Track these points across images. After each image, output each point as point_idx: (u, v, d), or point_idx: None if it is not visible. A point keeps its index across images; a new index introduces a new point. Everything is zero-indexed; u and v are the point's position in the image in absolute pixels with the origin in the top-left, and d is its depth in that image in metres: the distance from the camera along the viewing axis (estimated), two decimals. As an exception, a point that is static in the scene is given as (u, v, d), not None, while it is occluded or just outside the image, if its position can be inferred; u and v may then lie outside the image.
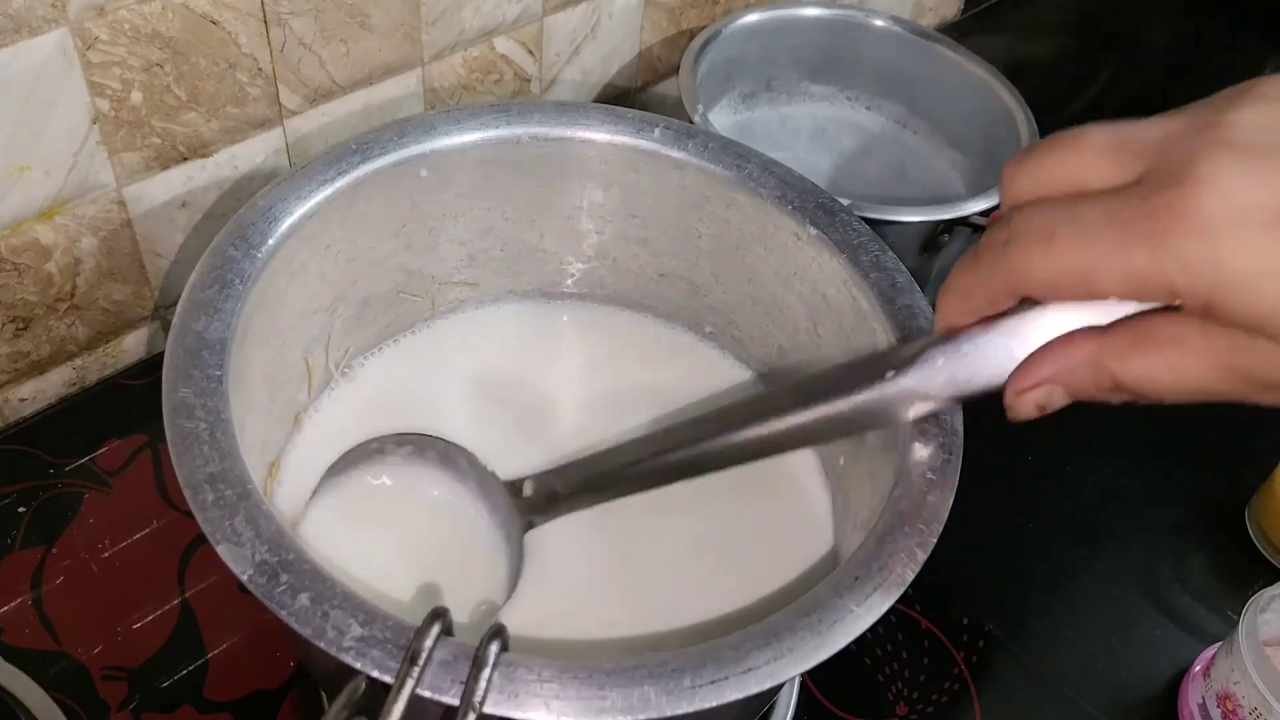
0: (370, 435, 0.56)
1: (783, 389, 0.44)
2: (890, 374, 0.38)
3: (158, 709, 0.54)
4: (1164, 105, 0.35)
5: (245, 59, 0.60)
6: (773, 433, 0.41)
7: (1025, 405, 0.35)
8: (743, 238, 0.57)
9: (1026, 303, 0.34)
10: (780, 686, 0.46)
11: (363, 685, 0.35)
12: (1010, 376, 0.35)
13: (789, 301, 0.56)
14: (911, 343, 0.38)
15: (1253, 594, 0.56)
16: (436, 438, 0.51)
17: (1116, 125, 0.32)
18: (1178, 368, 0.31)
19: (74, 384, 0.67)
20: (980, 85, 0.79)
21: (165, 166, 0.62)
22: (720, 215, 0.57)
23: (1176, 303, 0.30)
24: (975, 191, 0.70)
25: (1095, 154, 0.31)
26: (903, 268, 0.51)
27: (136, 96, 0.58)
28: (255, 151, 0.65)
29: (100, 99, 0.56)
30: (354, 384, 0.58)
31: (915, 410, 0.38)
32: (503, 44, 0.74)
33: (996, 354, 0.35)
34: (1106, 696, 0.60)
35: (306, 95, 0.65)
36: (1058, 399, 0.34)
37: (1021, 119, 0.75)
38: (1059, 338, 0.33)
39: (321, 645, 0.35)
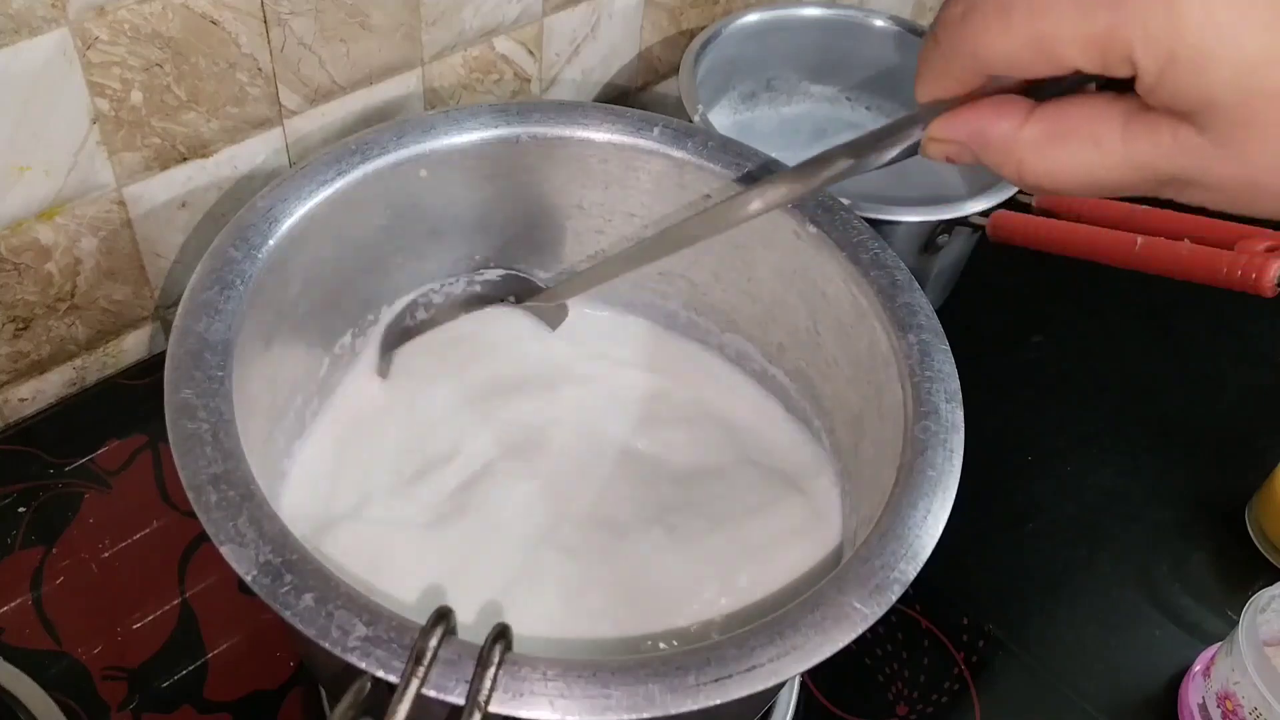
0: (370, 437, 0.56)
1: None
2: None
3: (158, 709, 0.54)
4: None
5: (245, 59, 0.60)
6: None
7: (936, 151, 0.36)
8: (742, 236, 0.57)
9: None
10: (781, 685, 0.46)
11: (368, 685, 0.35)
12: (933, 121, 0.35)
13: (789, 299, 0.56)
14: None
15: (1253, 594, 0.56)
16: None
17: None
18: (1091, 167, 0.31)
19: (74, 384, 0.67)
20: (979, 85, 0.79)
21: (165, 166, 0.61)
22: (721, 215, 0.57)
23: (1130, 75, 0.29)
24: (975, 191, 0.70)
25: None
26: (902, 265, 0.51)
27: (136, 96, 0.58)
28: (255, 151, 0.65)
29: (100, 99, 0.56)
30: (354, 384, 0.58)
31: None
32: (503, 44, 0.74)
33: None
34: (1106, 696, 0.60)
35: (306, 95, 0.65)
36: (966, 158, 0.35)
37: (1021, 119, 0.75)
38: (989, 101, 0.33)
39: (326, 645, 0.35)
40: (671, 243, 0.52)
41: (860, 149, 0.40)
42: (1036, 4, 0.29)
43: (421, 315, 0.59)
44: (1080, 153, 0.31)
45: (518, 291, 0.61)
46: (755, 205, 0.46)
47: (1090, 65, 0.29)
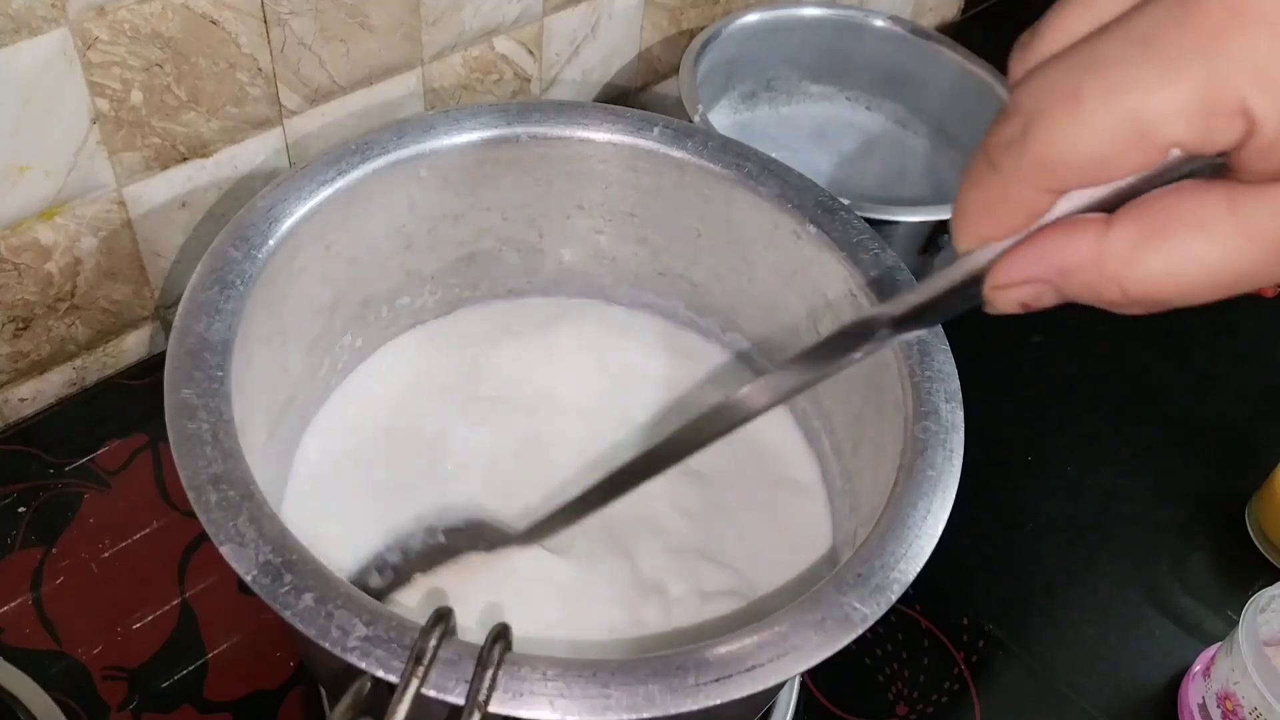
0: (370, 435, 0.56)
1: (772, 378, 0.38)
2: (884, 333, 0.33)
3: (158, 709, 0.54)
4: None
5: (245, 59, 0.60)
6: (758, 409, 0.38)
7: (1006, 302, 0.28)
8: (742, 236, 0.57)
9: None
10: (781, 685, 0.46)
11: (367, 685, 0.35)
12: (992, 268, 0.28)
13: (789, 300, 0.56)
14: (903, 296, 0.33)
15: (1253, 594, 0.56)
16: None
17: None
18: (1207, 259, 0.25)
19: (74, 384, 0.67)
20: (980, 85, 0.79)
21: (165, 166, 0.61)
22: (720, 214, 0.57)
23: (1240, 139, 0.23)
24: (975, 191, 0.70)
25: None
26: (903, 265, 0.52)
27: (136, 96, 0.58)
28: (255, 151, 0.65)
29: (100, 99, 0.56)
30: (355, 384, 0.58)
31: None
32: (503, 44, 0.74)
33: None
34: (1106, 696, 0.60)
35: (306, 95, 0.65)
36: (1047, 299, 0.28)
37: (1021, 119, 0.75)
38: (1054, 224, 0.27)
39: (326, 645, 0.35)
40: (653, 465, 0.42)
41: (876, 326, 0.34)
42: (1112, 81, 0.24)
43: (378, 581, 0.50)
44: (1187, 246, 0.25)
45: (487, 538, 0.51)
46: (758, 402, 0.38)
47: (1192, 135, 0.23)
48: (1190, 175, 0.25)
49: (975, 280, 0.29)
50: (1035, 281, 0.27)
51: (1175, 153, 0.24)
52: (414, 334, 0.60)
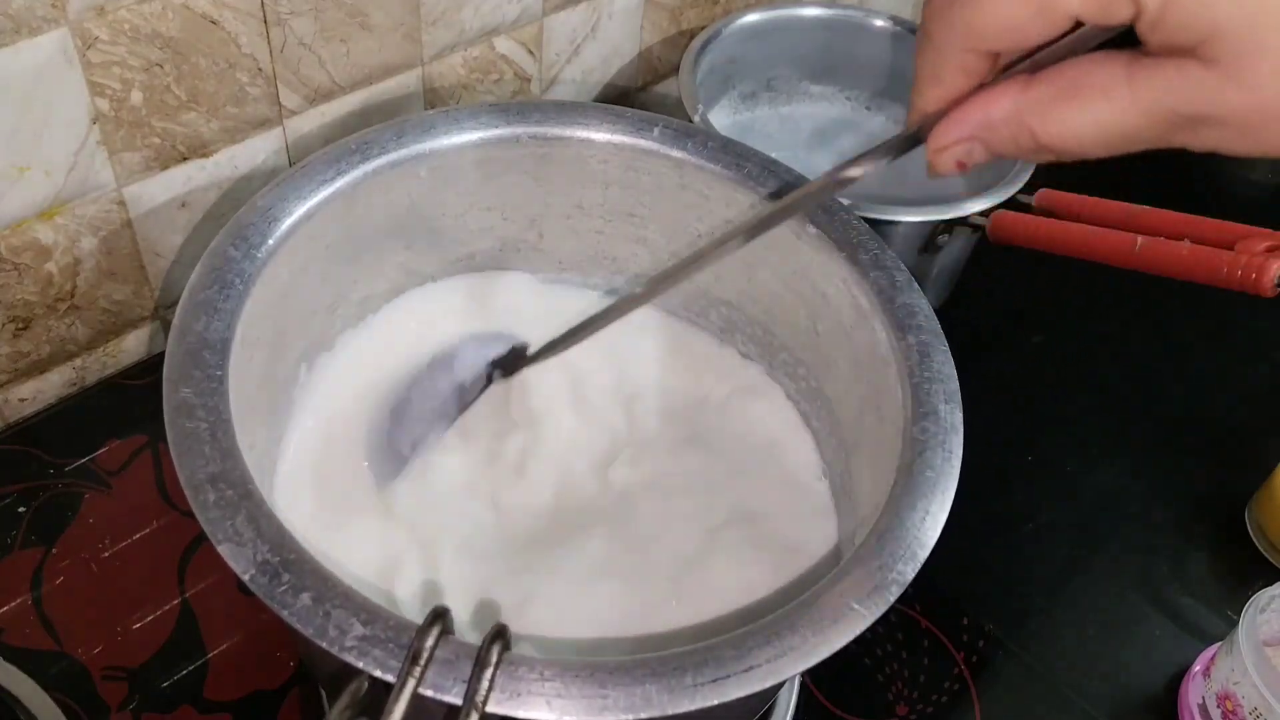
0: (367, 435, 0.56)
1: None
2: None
3: (158, 709, 0.54)
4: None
5: (245, 59, 0.60)
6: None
7: (945, 162, 0.35)
8: (743, 237, 0.57)
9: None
10: (780, 685, 0.46)
11: (365, 685, 0.35)
12: (930, 133, 0.35)
13: (789, 300, 0.56)
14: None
15: (1253, 594, 0.56)
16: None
17: None
18: (1102, 119, 0.30)
19: (74, 384, 0.67)
20: (980, 85, 0.79)
21: (165, 166, 0.61)
22: (720, 214, 0.57)
23: (1129, 17, 0.29)
24: (974, 191, 0.70)
25: None
26: (902, 266, 0.51)
27: (136, 96, 0.58)
28: (255, 151, 0.65)
29: (100, 99, 0.56)
30: (354, 383, 0.58)
31: None
32: (503, 44, 0.73)
33: None
34: (1106, 696, 0.60)
35: (306, 95, 0.65)
36: (977, 155, 0.34)
37: (1021, 119, 0.75)
38: (980, 92, 0.33)
39: (323, 645, 0.35)
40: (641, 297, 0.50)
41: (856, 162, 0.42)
42: None
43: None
44: (1090, 106, 0.31)
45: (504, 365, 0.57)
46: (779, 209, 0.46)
47: (1090, 9, 0.29)
48: (1106, 45, 0.31)
49: (913, 141, 0.36)
50: (966, 140, 0.34)
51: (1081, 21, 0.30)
52: (413, 332, 0.60)
